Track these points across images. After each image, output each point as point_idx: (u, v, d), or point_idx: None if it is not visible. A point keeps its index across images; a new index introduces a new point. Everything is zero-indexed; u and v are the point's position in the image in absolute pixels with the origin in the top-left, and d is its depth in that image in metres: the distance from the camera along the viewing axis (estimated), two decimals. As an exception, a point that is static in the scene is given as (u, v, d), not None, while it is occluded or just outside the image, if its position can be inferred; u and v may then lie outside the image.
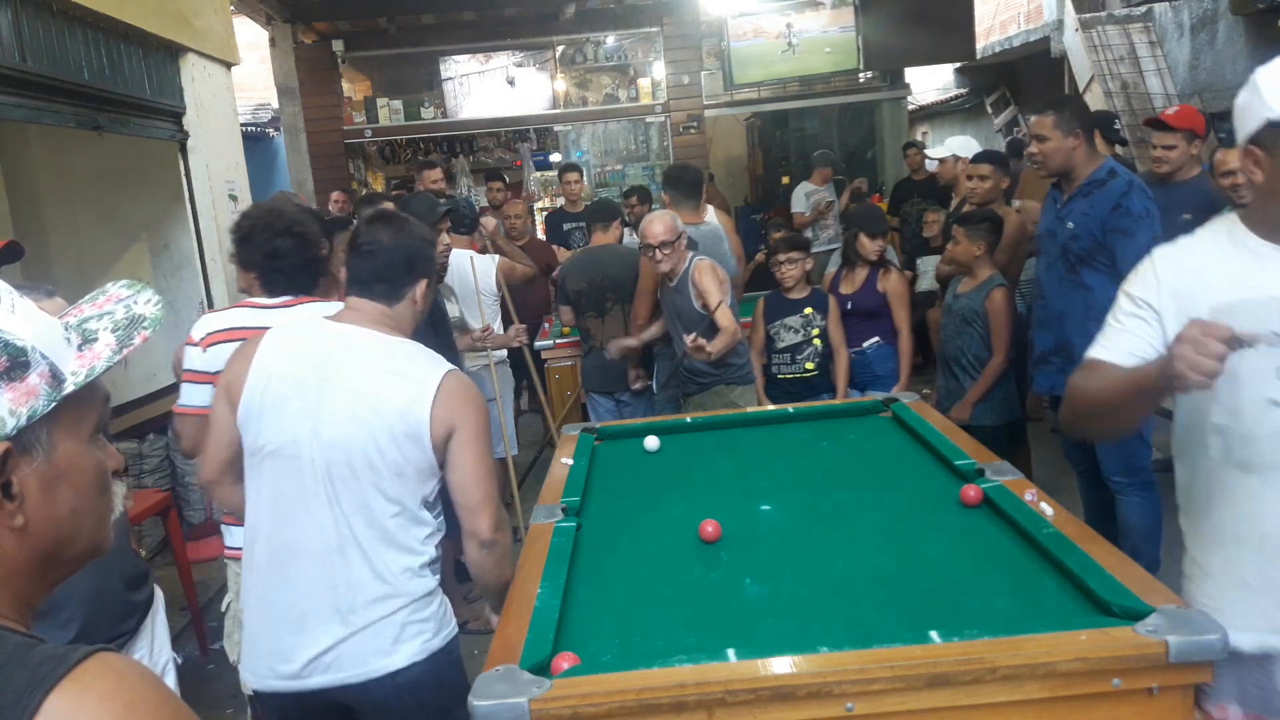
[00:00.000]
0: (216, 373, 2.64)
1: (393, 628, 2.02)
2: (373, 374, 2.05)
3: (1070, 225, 3.43)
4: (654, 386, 4.55)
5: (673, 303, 4.11)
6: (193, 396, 2.63)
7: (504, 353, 4.85)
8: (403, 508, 2.04)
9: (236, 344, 2.56)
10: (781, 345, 4.29)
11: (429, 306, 2.24)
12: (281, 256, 2.69)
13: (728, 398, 4.03)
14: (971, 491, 2.37)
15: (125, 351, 0.94)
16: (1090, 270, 3.39)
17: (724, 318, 3.87)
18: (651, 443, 3.12)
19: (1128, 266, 3.21)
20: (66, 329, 0.92)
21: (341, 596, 2.00)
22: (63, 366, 0.88)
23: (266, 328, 2.40)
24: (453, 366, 2.11)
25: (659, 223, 4.01)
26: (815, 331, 4.25)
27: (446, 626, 2.13)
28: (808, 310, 4.27)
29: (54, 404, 0.86)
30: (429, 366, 2.08)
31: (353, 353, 2.07)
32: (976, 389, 3.99)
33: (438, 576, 2.14)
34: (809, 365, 4.24)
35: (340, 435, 2.00)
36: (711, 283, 3.93)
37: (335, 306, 2.72)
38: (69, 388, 0.88)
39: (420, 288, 2.17)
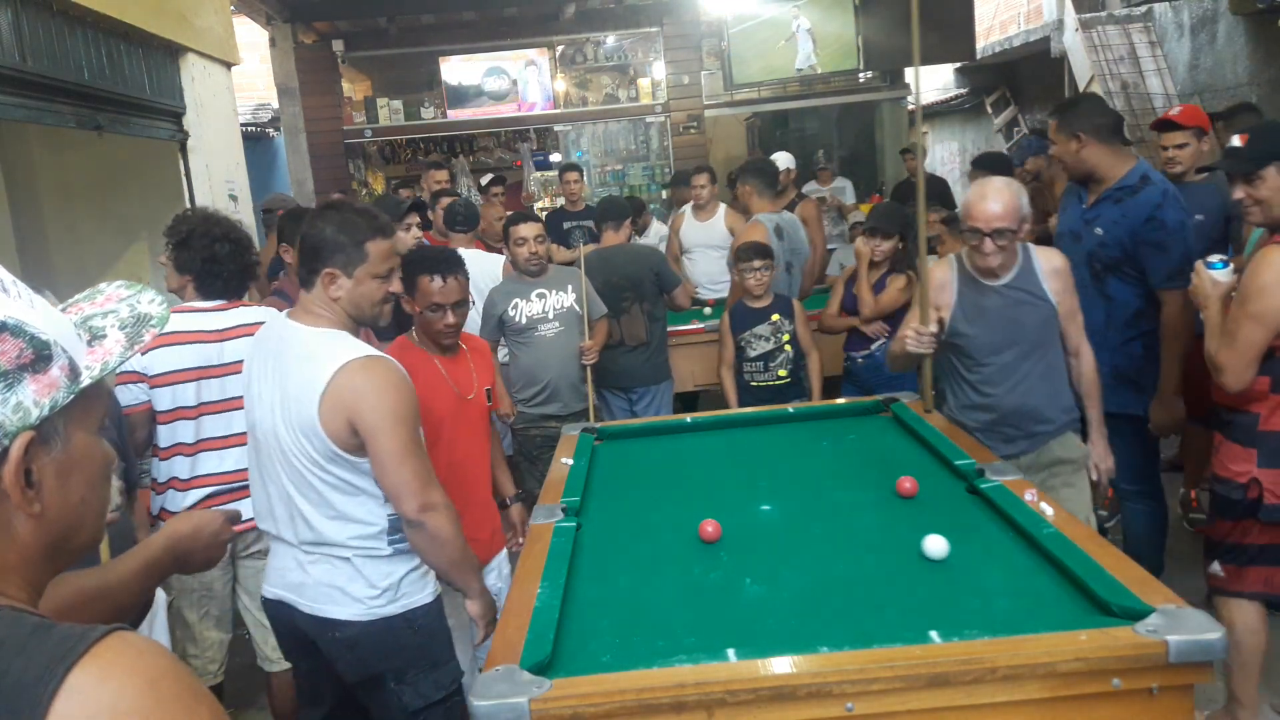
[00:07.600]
0: (155, 375, 2.68)
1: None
2: (291, 363, 2.14)
3: (1099, 232, 3.28)
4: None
5: (996, 310, 2.83)
6: (125, 396, 2.68)
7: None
8: (335, 478, 2.12)
9: (174, 348, 2.66)
10: (754, 354, 4.24)
11: (359, 297, 2.19)
12: (219, 261, 2.75)
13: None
14: (907, 484, 2.44)
15: (136, 349, 0.97)
16: (1116, 280, 3.27)
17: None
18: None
19: (1158, 281, 3.19)
20: (75, 325, 0.95)
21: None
22: (78, 361, 0.91)
23: (202, 330, 2.68)
24: (356, 356, 2.09)
25: (997, 200, 2.70)
26: (785, 337, 4.22)
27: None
28: (775, 317, 4.24)
29: (72, 396, 0.89)
30: (327, 360, 2.08)
31: (282, 344, 2.20)
32: None
33: (393, 547, 2.18)
34: (781, 373, 4.22)
35: (265, 421, 2.17)
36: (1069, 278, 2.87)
37: (267, 311, 2.82)
38: (85, 381, 0.91)
39: (326, 274, 2.15)
